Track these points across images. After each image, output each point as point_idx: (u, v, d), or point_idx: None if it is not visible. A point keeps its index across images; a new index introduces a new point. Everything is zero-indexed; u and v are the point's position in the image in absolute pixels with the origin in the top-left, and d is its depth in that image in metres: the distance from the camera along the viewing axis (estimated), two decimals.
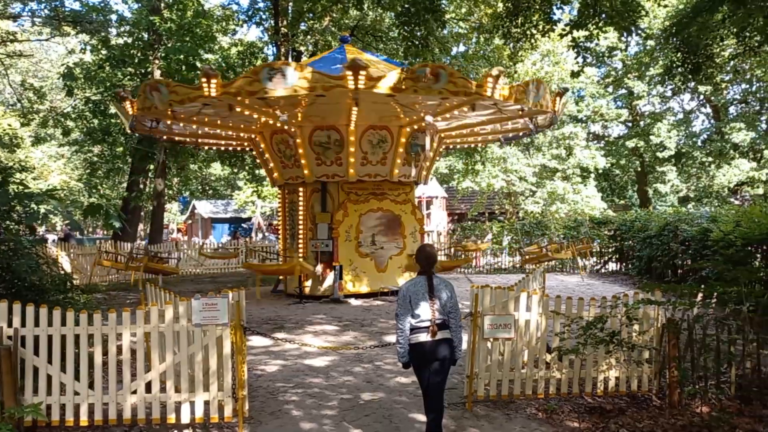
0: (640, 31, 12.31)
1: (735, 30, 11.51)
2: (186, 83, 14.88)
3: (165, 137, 16.82)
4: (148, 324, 6.50)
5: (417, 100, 12.17)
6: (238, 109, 12.25)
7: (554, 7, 10.90)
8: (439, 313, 5.41)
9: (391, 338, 9.90)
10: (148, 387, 6.49)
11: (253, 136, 15.58)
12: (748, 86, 34.84)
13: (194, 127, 14.85)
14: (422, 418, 5.79)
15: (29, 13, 23.41)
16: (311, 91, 10.59)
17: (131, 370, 6.76)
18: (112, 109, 21.49)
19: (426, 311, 5.38)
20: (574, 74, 12.32)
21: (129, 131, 15.28)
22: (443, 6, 11.61)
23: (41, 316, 6.32)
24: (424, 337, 5.37)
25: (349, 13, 24.43)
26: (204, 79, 10.78)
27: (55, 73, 35.92)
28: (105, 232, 35.73)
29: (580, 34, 10.53)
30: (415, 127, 14.61)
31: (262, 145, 15.32)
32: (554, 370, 7.17)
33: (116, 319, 6.46)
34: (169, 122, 13.98)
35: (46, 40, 31.18)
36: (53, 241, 23.18)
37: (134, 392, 6.41)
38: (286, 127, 13.83)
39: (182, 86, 11.91)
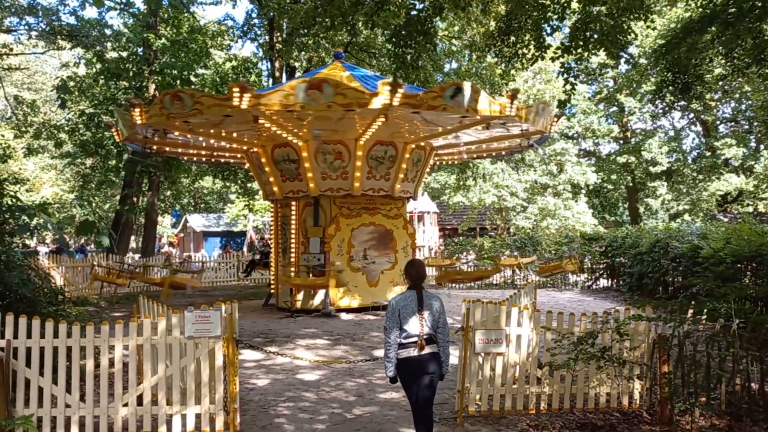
0: (627, 55, 12.51)
1: (724, 51, 11.63)
2: None
3: (156, 149, 16.62)
4: (140, 336, 6.50)
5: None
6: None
7: (544, 31, 10.91)
8: (428, 328, 5.44)
9: (382, 353, 9.90)
10: (140, 399, 6.48)
11: (254, 149, 15.30)
12: (737, 105, 35.23)
13: (190, 138, 14.75)
14: None
15: (26, 27, 23.44)
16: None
17: (123, 383, 6.75)
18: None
19: (415, 326, 5.41)
20: (561, 103, 11.65)
21: (121, 141, 15.17)
22: (436, 26, 11.69)
23: (33, 327, 6.32)
24: (411, 351, 5.39)
25: (343, 30, 24.60)
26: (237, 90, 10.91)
27: (49, 86, 35.93)
28: (93, 246, 35.65)
29: (569, 57, 10.53)
30: (421, 144, 15.04)
31: (263, 159, 15.12)
32: (545, 386, 7.19)
33: (108, 332, 6.47)
34: (176, 133, 13.89)
35: (42, 53, 31.20)
36: (45, 254, 23.07)
37: (125, 405, 6.40)
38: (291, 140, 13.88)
39: (209, 96, 11.92)
